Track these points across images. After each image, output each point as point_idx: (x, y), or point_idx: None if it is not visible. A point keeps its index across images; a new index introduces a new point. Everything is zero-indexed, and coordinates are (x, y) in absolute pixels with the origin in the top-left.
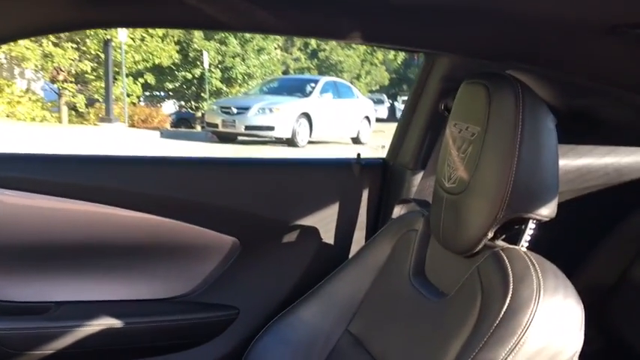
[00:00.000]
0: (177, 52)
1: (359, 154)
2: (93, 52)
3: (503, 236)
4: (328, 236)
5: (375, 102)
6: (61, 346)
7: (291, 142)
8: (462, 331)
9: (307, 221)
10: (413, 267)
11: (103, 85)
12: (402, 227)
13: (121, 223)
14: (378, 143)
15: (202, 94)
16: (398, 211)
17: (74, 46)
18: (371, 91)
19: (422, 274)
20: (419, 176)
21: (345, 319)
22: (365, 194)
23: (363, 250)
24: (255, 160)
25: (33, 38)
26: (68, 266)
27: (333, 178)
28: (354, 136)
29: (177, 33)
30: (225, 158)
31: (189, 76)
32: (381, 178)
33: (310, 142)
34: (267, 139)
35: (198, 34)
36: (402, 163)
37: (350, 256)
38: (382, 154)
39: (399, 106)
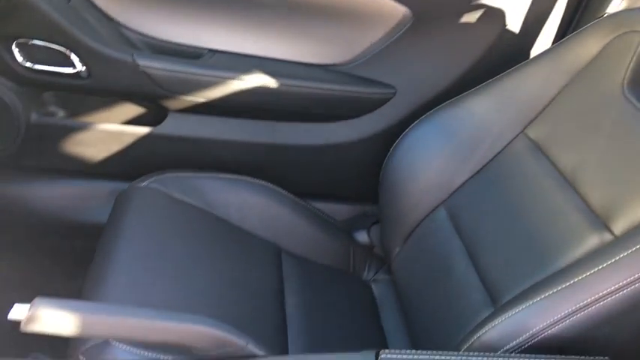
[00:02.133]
0: None
1: None
2: None
3: None
4: (515, 23)
5: None
6: (213, 95)
7: None
8: None
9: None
10: (630, 75)
11: None
12: (617, 26)
13: None
14: None
15: None
16: (616, 5)
17: None
18: None
19: None
20: None
21: (522, 121)
22: None
23: (557, 47)
24: None
25: None
26: (226, 15)
27: None
28: None
29: None
30: None
31: None
32: None
33: None
34: None
35: None
36: None
37: (534, 53)
38: None
39: None
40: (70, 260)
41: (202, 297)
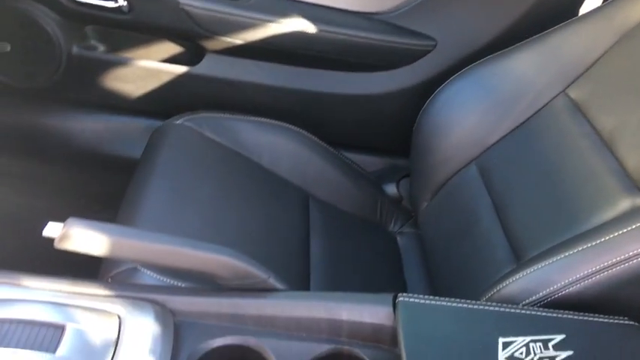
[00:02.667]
0: None
1: None
2: None
3: None
4: None
5: None
6: (251, 38)
7: None
8: None
9: None
10: None
11: None
12: None
13: None
14: None
15: None
16: None
17: None
18: None
19: None
20: None
21: (564, 81)
22: None
23: (607, 6)
24: None
25: None
26: None
27: None
28: None
29: None
30: None
31: None
32: None
33: None
34: None
35: None
36: None
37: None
38: None
39: None
40: (104, 192)
41: (230, 233)
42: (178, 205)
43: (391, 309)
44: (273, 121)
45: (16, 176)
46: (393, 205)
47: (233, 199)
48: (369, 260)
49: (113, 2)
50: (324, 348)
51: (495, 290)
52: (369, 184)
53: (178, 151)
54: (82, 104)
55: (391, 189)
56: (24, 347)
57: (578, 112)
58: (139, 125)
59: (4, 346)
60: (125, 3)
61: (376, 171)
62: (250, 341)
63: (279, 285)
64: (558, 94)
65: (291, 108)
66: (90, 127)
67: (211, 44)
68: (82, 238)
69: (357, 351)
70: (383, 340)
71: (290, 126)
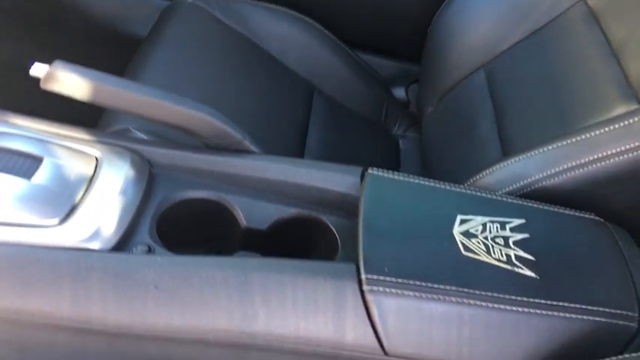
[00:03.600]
0: None
1: None
2: None
3: None
4: None
5: None
6: None
7: None
8: None
9: None
10: None
11: None
12: None
13: None
14: None
15: None
16: None
17: None
18: None
19: None
20: None
21: None
22: None
23: None
24: None
25: None
26: None
27: None
28: None
29: None
30: None
31: None
32: None
33: None
34: None
35: None
36: None
37: None
38: None
39: None
40: (110, 67)
41: (228, 108)
42: (178, 78)
43: (359, 180)
44: (286, 10)
45: (21, 39)
46: (400, 109)
47: (235, 80)
48: (365, 158)
49: None
50: (290, 211)
51: (472, 180)
52: (377, 85)
53: (186, 27)
54: None
55: (399, 93)
56: (1, 171)
57: (594, 20)
58: (150, 2)
59: None
60: None
61: (387, 75)
62: (221, 196)
63: (253, 147)
64: (577, 2)
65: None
66: (102, 1)
67: None
68: (67, 80)
69: (322, 217)
70: (347, 209)
71: (303, 17)
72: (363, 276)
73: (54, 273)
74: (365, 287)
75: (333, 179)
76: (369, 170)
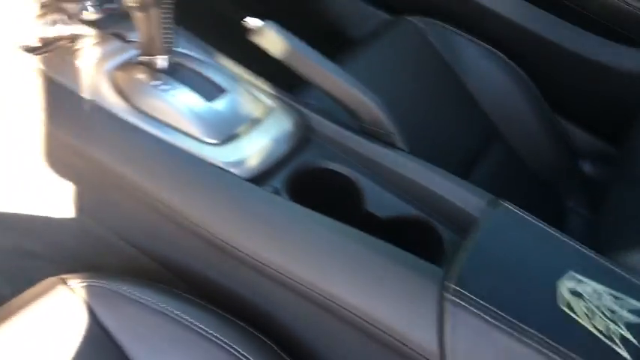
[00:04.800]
0: None
1: None
2: None
3: None
4: None
5: None
6: None
7: None
8: None
9: None
10: None
11: None
12: None
13: None
14: None
15: None
16: None
17: None
18: None
19: None
20: None
21: None
22: None
23: None
24: None
25: None
26: None
27: None
28: None
29: None
30: None
31: None
32: None
33: None
34: None
35: None
36: None
37: None
38: None
39: None
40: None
41: (401, 110)
42: (373, 75)
43: (485, 202)
44: (495, 51)
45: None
46: (580, 182)
47: (422, 96)
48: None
49: None
50: (412, 211)
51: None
52: (564, 151)
53: (399, 41)
54: None
55: (587, 167)
56: (191, 87)
57: None
58: (375, 13)
59: (175, 79)
60: None
61: (580, 145)
62: (356, 176)
63: (401, 145)
64: None
65: (523, 48)
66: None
67: None
68: (273, 39)
69: (438, 226)
70: (463, 227)
71: (510, 61)
72: (451, 285)
73: (196, 180)
74: (447, 295)
75: (462, 195)
76: (501, 201)
